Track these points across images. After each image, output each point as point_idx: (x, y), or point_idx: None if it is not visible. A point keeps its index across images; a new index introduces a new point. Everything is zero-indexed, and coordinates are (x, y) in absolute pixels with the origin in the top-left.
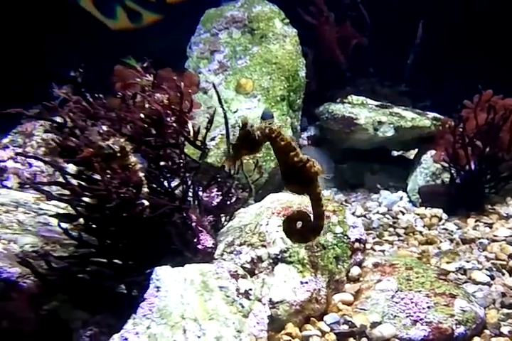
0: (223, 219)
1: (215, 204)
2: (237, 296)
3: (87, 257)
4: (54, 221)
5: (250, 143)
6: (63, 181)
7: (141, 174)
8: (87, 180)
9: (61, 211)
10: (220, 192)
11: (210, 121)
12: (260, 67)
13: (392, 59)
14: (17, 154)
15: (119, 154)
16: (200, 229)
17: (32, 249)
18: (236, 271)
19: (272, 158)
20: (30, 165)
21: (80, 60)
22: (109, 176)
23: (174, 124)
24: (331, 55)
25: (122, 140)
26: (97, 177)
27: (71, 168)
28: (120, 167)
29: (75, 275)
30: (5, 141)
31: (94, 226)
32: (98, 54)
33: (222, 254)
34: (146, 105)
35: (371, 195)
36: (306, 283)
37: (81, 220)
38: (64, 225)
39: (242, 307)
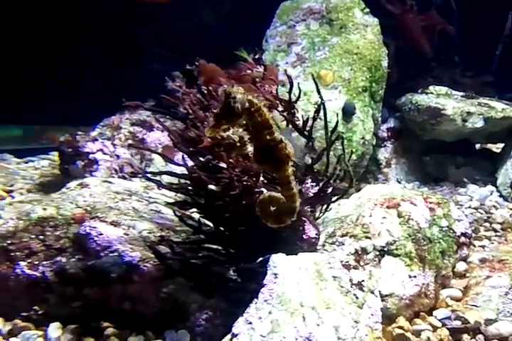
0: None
1: (312, 194)
2: (351, 287)
3: (200, 243)
4: (164, 208)
5: (230, 114)
6: (171, 171)
7: None
8: (211, 169)
9: (168, 199)
10: (314, 183)
11: (317, 111)
12: (340, 58)
13: (477, 48)
14: (130, 146)
15: (238, 144)
16: (304, 219)
17: (149, 234)
18: (348, 262)
19: (354, 149)
20: (118, 156)
21: (163, 54)
22: (231, 165)
23: (285, 114)
24: (415, 44)
25: (240, 130)
26: (220, 165)
27: (157, 160)
28: (239, 156)
29: (190, 260)
30: (93, 133)
31: (210, 213)
32: (179, 48)
33: (323, 245)
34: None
35: (457, 188)
36: (415, 277)
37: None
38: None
39: (357, 298)
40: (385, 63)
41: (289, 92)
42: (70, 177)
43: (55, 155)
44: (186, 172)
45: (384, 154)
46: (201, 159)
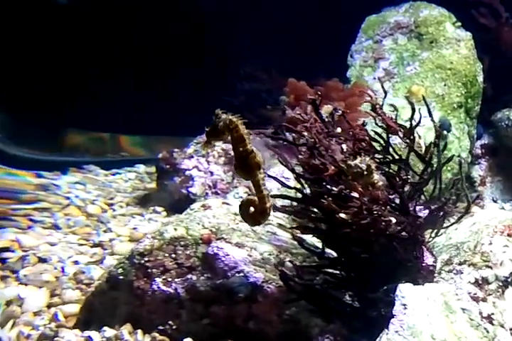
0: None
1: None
2: (481, 320)
3: (320, 267)
4: (278, 230)
5: (216, 131)
6: (288, 195)
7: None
8: (335, 197)
9: (280, 221)
10: (422, 206)
11: (438, 136)
12: (433, 74)
13: None
14: (269, 176)
15: (365, 172)
16: (422, 246)
17: (269, 256)
18: (476, 294)
19: (449, 168)
20: (212, 173)
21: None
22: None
23: (407, 141)
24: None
25: (368, 158)
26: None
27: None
28: (367, 184)
29: (314, 283)
30: (189, 151)
31: (332, 239)
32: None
33: (440, 273)
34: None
35: None
36: None
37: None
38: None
39: (487, 332)
40: (480, 78)
41: (411, 119)
42: (166, 192)
43: (140, 168)
44: (310, 198)
45: (478, 172)
46: (330, 187)
